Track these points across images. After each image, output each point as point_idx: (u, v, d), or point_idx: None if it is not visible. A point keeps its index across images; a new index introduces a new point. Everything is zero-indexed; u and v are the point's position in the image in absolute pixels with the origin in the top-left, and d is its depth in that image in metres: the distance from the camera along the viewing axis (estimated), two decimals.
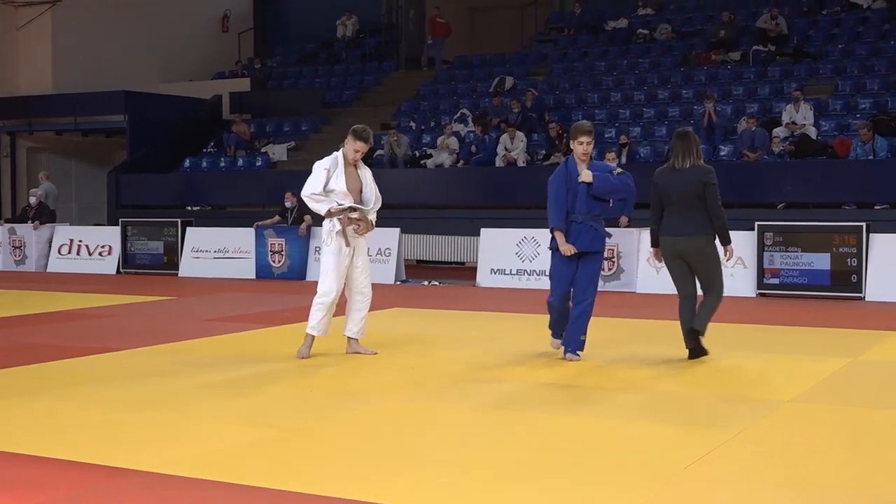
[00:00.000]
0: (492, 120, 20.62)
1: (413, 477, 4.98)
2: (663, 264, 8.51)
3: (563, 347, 8.43)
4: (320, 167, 8.42)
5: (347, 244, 8.40)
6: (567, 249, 8.07)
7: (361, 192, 8.50)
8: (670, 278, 8.46)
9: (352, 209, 8.38)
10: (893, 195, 15.81)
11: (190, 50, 27.39)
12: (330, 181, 8.35)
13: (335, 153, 8.53)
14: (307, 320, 8.50)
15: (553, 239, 8.53)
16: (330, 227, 8.39)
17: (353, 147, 8.42)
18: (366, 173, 8.59)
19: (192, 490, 4.83)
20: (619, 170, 8.54)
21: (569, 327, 8.36)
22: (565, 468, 5.13)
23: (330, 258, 8.40)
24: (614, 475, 5.00)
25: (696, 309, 8.24)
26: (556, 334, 8.61)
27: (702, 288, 8.33)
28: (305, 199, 8.52)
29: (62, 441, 5.73)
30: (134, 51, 25.99)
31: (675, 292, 8.43)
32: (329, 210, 8.34)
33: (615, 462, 5.22)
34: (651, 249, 8.69)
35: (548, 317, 8.61)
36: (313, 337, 8.48)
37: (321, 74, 26.62)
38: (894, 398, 6.83)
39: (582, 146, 8.41)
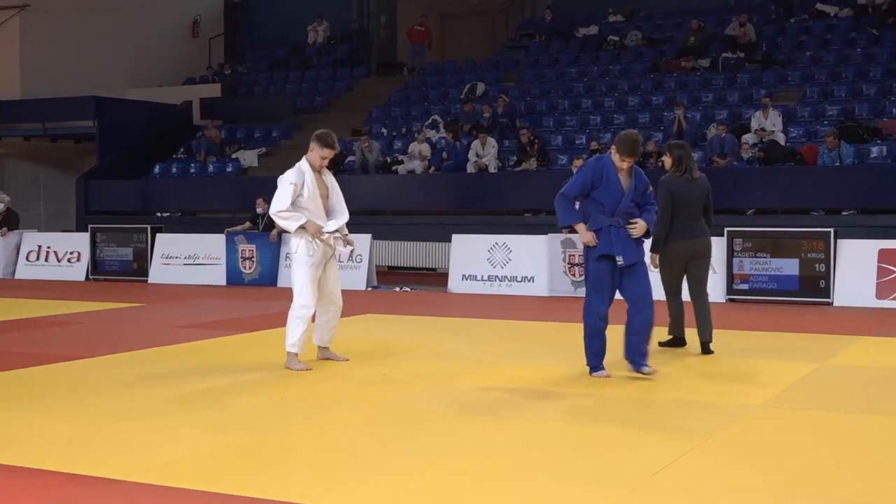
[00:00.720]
0: (463, 126, 20.66)
1: (386, 483, 4.98)
2: (657, 268, 8.92)
3: (606, 374, 7.71)
4: (286, 182, 8.17)
5: (332, 254, 8.32)
6: (589, 238, 7.85)
7: (328, 198, 8.38)
8: (662, 281, 9.07)
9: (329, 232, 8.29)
10: (860, 201, 15.97)
11: (160, 55, 27.25)
12: (302, 195, 8.14)
13: (299, 164, 8.30)
14: (282, 327, 8.36)
15: (588, 247, 7.77)
16: (303, 240, 8.18)
17: (319, 154, 8.24)
18: (331, 179, 8.44)
19: (164, 498, 4.81)
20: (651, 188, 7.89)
21: (630, 339, 7.71)
22: (536, 473, 5.14)
23: (306, 270, 8.20)
24: (583, 481, 5.01)
25: (697, 318, 8.92)
26: (601, 364, 7.78)
27: (697, 286, 9.02)
28: (274, 218, 8.31)
29: (31, 450, 5.68)
30: (103, 56, 25.82)
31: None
32: (302, 226, 8.13)
33: (584, 468, 5.24)
34: (653, 254, 8.84)
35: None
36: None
37: (292, 80, 26.57)
38: (861, 403, 6.90)
39: (624, 163, 7.72)
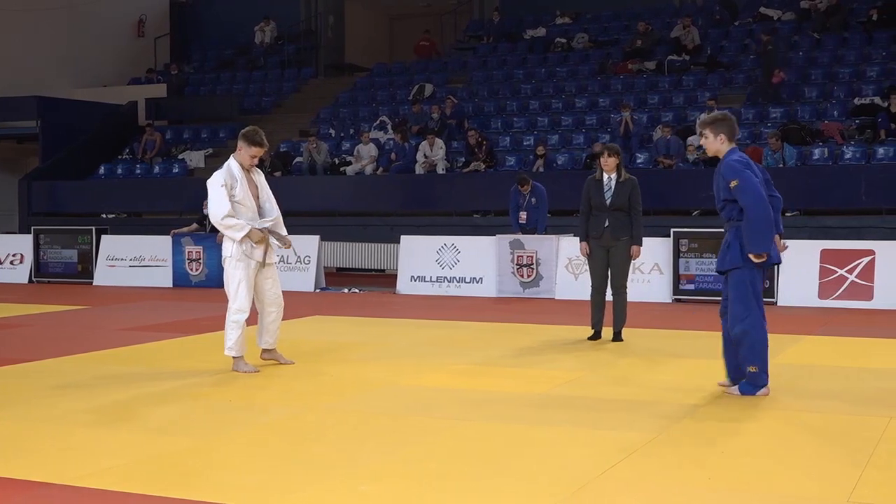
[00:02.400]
0: (411, 127, 20.66)
1: (332, 486, 4.96)
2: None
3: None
4: (216, 185, 8.02)
5: (263, 263, 8.21)
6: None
7: (258, 197, 8.25)
8: (591, 280, 9.89)
9: (269, 231, 8.20)
10: (803, 203, 16.20)
11: (105, 55, 26.94)
12: (234, 195, 8.00)
13: (227, 164, 8.15)
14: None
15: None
16: (235, 243, 8.07)
17: (248, 154, 8.08)
18: (260, 178, 8.31)
19: (102, 503, 4.75)
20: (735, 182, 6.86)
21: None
22: (482, 474, 5.16)
23: (241, 272, 8.10)
24: (530, 481, 5.03)
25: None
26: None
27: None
28: (218, 226, 8.13)
29: None
30: (47, 55, 25.48)
31: (589, 298, 9.98)
32: (247, 235, 8.02)
33: (531, 468, 5.26)
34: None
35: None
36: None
37: (239, 81, 26.41)
38: (806, 401, 6.99)
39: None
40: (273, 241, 8.26)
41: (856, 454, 5.47)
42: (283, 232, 8.35)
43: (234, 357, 8.20)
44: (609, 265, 9.78)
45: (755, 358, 6.89)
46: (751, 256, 6.85)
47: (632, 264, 10.03)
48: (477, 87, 22.85)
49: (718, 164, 7.03)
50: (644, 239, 9.93)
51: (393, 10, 31.34)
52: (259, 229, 8.10)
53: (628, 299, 9.92)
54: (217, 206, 8.02)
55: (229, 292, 8.18)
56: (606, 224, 9.66)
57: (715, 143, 6.98)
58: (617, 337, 9.79)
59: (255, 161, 8.20)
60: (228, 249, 8.15)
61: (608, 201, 9.63)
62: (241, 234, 8.01)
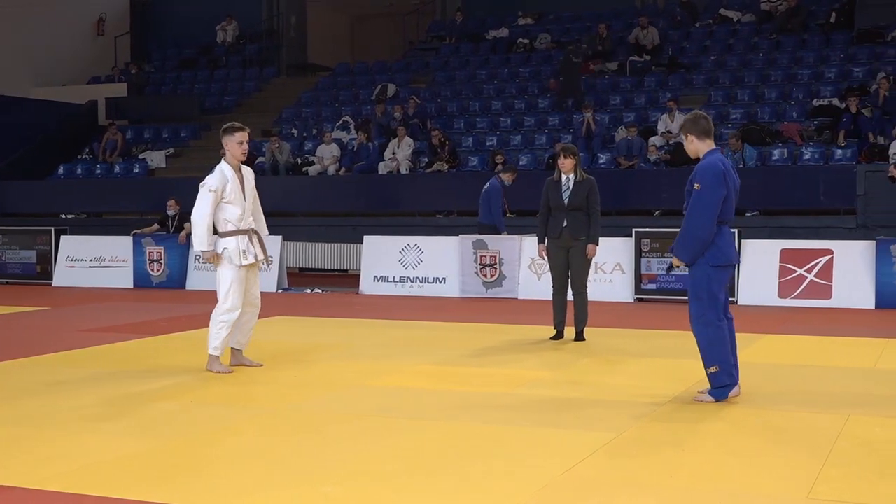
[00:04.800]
0: (372, 127, 20.63)
1: (298, 487, 4.96)
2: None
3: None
4: (206, 189, 8.06)
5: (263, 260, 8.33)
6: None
7: (246, 196, 8.28)
8: (552, 281, 9.92)
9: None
10: (763, 203, 16.35)
11: (64, 54, 26.67)
12: (225, 197, 8.05)
13: (219, 167, 8.17)
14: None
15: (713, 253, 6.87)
16: (232, 242, 8.11)
17: (236, 142, 8.11)
18: (248, 174, 8.32)
19: None
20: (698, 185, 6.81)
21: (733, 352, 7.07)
22: (445, 474, 5.17)
23: (233, 273, 8.11)
24: (494, 479, 5.06)
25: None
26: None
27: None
28: (193, 227, 8.14)
29: None
30: (5, 54, 25.17)
31: (551, 298, 10.05)
32: (202, 252, 8.11)
33: (495, 467, 5.28)
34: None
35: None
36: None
37: (201, 80, 26.24)
38: (766, 399, 7.06)
39: None
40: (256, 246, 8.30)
41: (815, 451, 5.54)
42: (265, 231, 8.45)
43: (214, 356, 8.20)
44: (569, 266, 9.85)
45: (713, 358, 6.90)
46: (673, 260, 6.92)
47: (593, 264, 10.10)
48: (440, 87, 22.87)
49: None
50: (606, 239, 10.04)
51: (355, 10, 31.27)
52: (245, 232, 8.17)
53: (590, 299, 10.01)
54: (198, 210, 8.07)
55: (220, 293, 8.18)
56: (565, 224, 9.72)
57: (689, 144, 7.01)
58: (579, 337, 9.87)
59: (246, 147, 8.22)
60: (222, 248, 8.14)
61: (566, 201, 9.70)
62: (200, 246, 8.10)
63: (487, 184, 14.76)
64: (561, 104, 20.54)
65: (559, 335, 9.92)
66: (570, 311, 9.91)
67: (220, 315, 8.14)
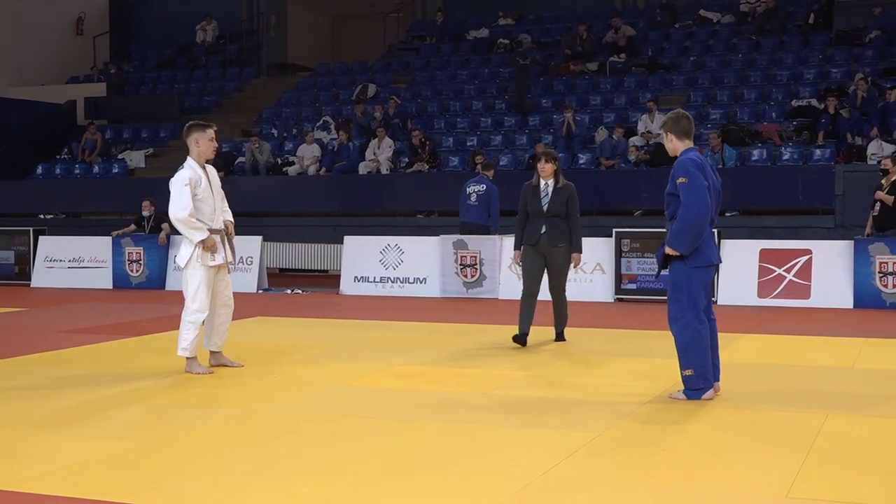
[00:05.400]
0: (353, 127, 20.60)
1: (277, 488, 4.94)
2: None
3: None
4: (180, 183, 7.97)
5: (231, 259, 8.26)
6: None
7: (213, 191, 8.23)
8: (524, 284, 9.68)
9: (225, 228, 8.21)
10: (742, 203, 16.43)
11: (42, 53, 26.51)
12: (196, 194, 7.98)
13: (187, 163, 8.09)
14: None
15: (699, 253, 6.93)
16: (201, 252, 8.05)
17: (207, 137, 8.07)
18: (213, 173, 8.26)
19: None
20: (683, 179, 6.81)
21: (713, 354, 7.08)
22: (425, 474, 5.17)
23: (202, 273, 8.06)
24: (473, 480, 5.05)
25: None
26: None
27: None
28: (177, 224, 8.04)
29: None
30: None
31: (520, 300, 9.82)
32: (203, 241, 7.98)
33: (475, 467, 5.28)
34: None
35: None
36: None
37: (180, 80, 26.15)
38: (745, 398, 7.09)
39: None
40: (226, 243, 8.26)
41: (794, 450, 5.57)
42: (231, 218, 8.39)
43: (187, 358, 8.14)
44: (547, 269, 9.60)
45: (688, 362, 6.89)
46: (667, 248, 6.86)
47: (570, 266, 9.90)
48: (420, 87, 22.87)
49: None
50: (586, 239, 9.96)
51: (335, 10, 31.23)
52: (215, 242, 8.09)
53: (570, 299, 9.93)
54: (179, 203, 7.95)
55: (188, 294, 8.12)
56: (543, 230, 9.46)
57: (669, 143, 7.03)
58: (560, 337, 9.82)
59: (215, 144, 8.17)
60: (187, 254, 8.06)
61: (545, 207, 9.46)
62: (200, 236, 7.98)
63: (480, 185, 14.60)
64: (519, 107, 20.59)
65: (522, 339, 9.45)
66: (544, 313, 9.83)
67: (188, 316, 8.09)
